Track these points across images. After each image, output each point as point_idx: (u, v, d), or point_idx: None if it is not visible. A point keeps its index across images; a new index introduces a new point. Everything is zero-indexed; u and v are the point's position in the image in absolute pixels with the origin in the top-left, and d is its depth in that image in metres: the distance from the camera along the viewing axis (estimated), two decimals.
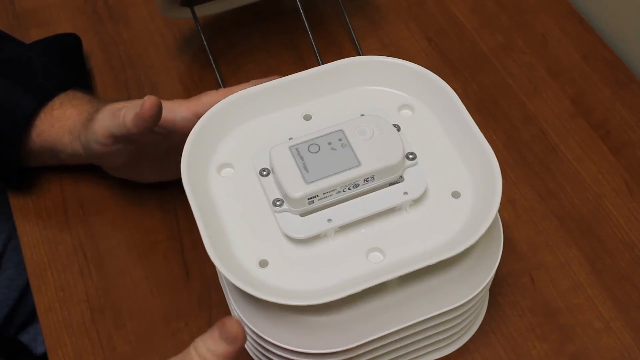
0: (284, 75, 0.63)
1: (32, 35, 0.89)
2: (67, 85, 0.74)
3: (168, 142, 0.67)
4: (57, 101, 0.72)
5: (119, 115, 0.64)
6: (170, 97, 0.83)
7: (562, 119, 0.81)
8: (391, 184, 0.58)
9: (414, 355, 0.63)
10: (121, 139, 0.66)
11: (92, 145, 0.68)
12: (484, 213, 0.55)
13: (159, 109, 0.63)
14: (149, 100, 0.62)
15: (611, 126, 0.80)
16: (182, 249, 0.73)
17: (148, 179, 0.74)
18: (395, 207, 0.57)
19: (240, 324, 0.50)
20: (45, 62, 0.76)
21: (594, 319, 0.68)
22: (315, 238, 0.56)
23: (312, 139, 0.58)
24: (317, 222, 0.56)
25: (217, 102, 0.61)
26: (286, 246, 0.56)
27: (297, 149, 0.57)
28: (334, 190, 0.56)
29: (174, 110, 0.66)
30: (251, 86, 0.63)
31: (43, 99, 0.72)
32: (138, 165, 0.72)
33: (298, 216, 0.56)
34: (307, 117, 0.63)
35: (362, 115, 0.60)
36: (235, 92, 0.62)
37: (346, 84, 0.64)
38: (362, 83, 0.64)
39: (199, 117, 0.61)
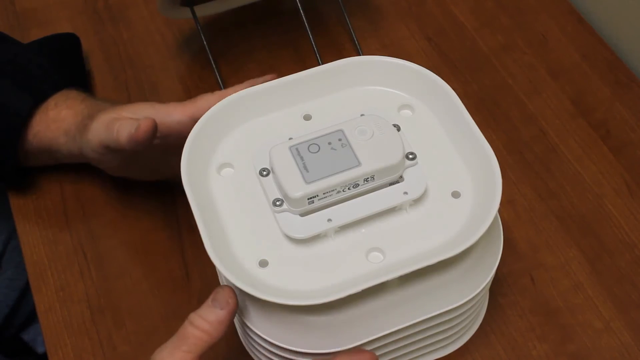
0: (283, 75, 0.63)
1: (32, 35, 0.89)
2: (63, 85, 0.74)
3: (164, 144, 0.67)
4: (52, 102, 0.72)
5: (113, 129, 0.65)
6: (170, 97, 0.84)
7: (562, 119, 0.81)
8: (391, 184, 0.58)
9: (414, 355, 0.63)
10: (115, 150, 0.66)
11: (87, 152, 0.69)
12: (484, 213, 0.55)
13: (154, 131, 0.63)
14: (144, 123, 0.62)
15: (611, 126, 0.80)
16: (182, 249, 0.73)
17: (146, 178, 0.74)
18: (395, 207, 0.57)
19: (231, 290, 0.53)
20: (41, 62, 0.76)
21: (594, 319, 0.68)
22: (315, 238, 0.56)
23: (312, 139, 0.58)
24: (317, 222, 0.56)
25: (212, 105, 0.61)
26: (286, 246, 0.56)
27: (297, 149, 0.57)
28: (334, 190, 0.56)
29: (170, 114, 0.66)
30: (246, 87, 0.62)
31: (38, 99, 0.72)
32: (135, 166, 0.72)
33: (298, 216, 0.56)
34: (307, 117, 0.63)
35: (362, 115, 0.60)
36: (230, 94, 0.62)
37: (346, 84, 0.64)
38: (362, 83, 0.64)
39: (195, 120, 0.61)
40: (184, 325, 0.54)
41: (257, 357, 0.61)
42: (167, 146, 0.67)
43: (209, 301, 0.54)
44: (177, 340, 0.53)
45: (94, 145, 0.68)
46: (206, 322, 0.53)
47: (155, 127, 0.63)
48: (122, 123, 0.64)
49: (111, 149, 0.67)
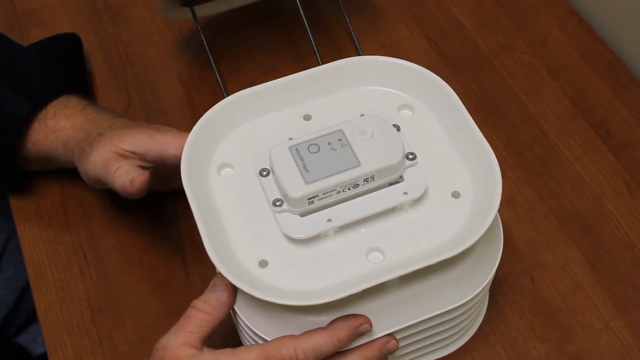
0: (283, 75, 0.63)
1: (32, 35, 0.89)
2: (63, 89, 0.74)
3: (162, 170, 0.68)
4: (50, 110, 0.72)
5: (110, 172, 0.66)
6: (170, 97, 0.84)
7: (562, 119, 0.81)
8: (391, 184, 0.58)
9: (414, 355, 0.63)
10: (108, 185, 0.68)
11: (83, 177, 0.70)
12: (484, 213, 0.55)
13: (148, 185, 0.65)
14: (137, 180, 0.64)
15: (611, 126, 0.80)
16: (182, 249, 0.73)
17: None
18: (395, 207, 0.57)
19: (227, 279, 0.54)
20: (41, 66, 0.76)
21: (594, 319, 0.68)
22: (315, 238, 0.56)
23: (312, 139, 0.58)
24: (317, 222, 0.56)
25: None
26: (286, 246, 0.56)
27: (297, 149, 0.57)
28: (333, 190, 0.56)
29: (167, 148, 0.66)
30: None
31: (37, 105, 0.72)
32: None
33: (298, 216, 0.56)
34: (307, 117, 0.63)
35: (362, 115, 0.60)
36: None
37: (346, 84, 0.64)
38: (362, 83, 0.64)
39: None
40: (187, 310, 0.56)
41: None
42: (165, 171, 0.68)
43: (209, 287, 0.57)
44: (180, 323, 0.56)
45: (90, 175, 0.69)
46: (208, 304, 0.56)
47: (148, 183, 0.65)
48: (119, 171, 0.65)
49: (106, 184, 0.68)
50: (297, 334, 0.55)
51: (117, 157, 0.66)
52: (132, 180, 0.64)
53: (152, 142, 0.66)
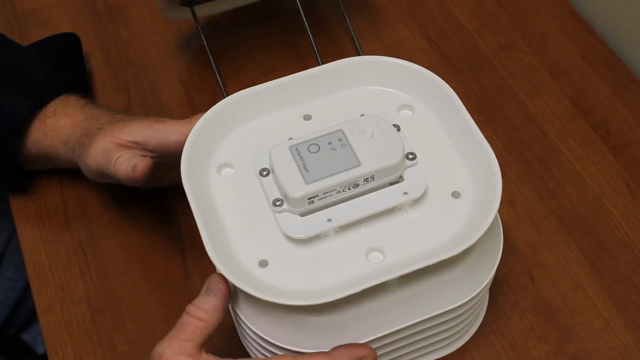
0: (283, 75, 0.63)
1: (32, 35, 0.89)
2: (62, 89, 0.74)
3: (163, 162, 0.68)
4: (50, 109, 0.72)
5: (111, 161, 0.66)
6: (170, 97, 0.84)
7: (562, 119, 0.81)
8: (391, 184, 0.58)
9: (414, 355, 0.63)
10: (111, 177, 0.68)
11: (84, 171, 0.70)
12: (484, 213, 0.55)
13: (150, 171, 0.65)
14: (140, 165, 0.64)
15: (611, 126, 0.80)
16: (182, 249, 0.73)
17: (145, 187, 0.74)
18: (395, 207, 0.57)
19: (221, 276, 0.54)
20: (40, 65, 0.76)
21: (594, 319, 0.68)
22: (315, 238, 0.56)
23: (312, 139, 0.58)
24: (317, 222, 0.56)
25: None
26: (286, 246, 0.56)
27: (297, 149, 0.57)
28: (333, 190, 0.56)
29: (168, 135, 0.66)
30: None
31: (37, 104, 0.72)
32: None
33: (298, 216, 0.56)
34: (307, 117, 0.63)
35: (362, 115, 0.60)
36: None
37: (346, 84, 0.64)
38: (362, 83, 0.64)
39: None
40: (181, 316, 0.56)
41: (256, 356, 0.61)
42: (166, 163, 0.68)
43: (203, 291, 0.56)
44: (175, 330, 0.55)
45: (92, 169, 0.69)
46: (201, 310, 0.55)
47: (151, 168, 0.65)
48: (121, 159, 0.65)
49: (109, 176, 0.68)
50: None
51: (117, 147, 0.66)
52: (135, 166, 0.64)
53: (153, 130, 0.66)
